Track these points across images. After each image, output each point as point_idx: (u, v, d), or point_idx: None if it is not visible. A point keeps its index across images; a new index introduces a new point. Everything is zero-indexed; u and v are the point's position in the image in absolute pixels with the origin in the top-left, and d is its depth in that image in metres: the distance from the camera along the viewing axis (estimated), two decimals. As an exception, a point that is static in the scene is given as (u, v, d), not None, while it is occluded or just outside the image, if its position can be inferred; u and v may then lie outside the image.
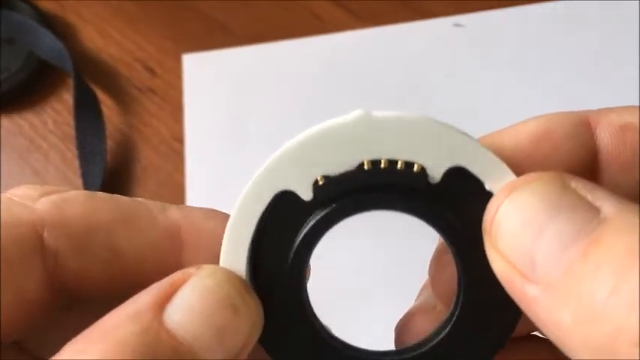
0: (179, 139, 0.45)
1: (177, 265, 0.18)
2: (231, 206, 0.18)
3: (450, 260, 0.18)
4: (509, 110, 0.43)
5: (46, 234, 0.17)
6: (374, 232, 0.40)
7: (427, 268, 0.20)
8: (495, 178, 0.17)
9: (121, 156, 0.45)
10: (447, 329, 0.18)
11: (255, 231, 0.17)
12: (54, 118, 0.47)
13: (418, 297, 0.21)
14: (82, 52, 0.49)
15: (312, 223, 0.17)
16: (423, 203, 0.17)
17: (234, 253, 0.17)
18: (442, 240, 0.19)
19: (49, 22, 0.50)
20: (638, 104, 0.18)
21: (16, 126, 0.47)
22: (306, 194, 0.17)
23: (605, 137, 0.18)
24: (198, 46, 0.48)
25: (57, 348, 0.15)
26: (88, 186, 0.43)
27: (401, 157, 0.17)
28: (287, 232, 0.18)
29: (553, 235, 0.15)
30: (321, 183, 0.17)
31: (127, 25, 0.50)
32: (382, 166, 0.17)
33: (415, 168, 0.17)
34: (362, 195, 0.17)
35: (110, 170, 0.44)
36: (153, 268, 0.18)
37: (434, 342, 0.18)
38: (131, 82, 0.48)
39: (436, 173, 0.17)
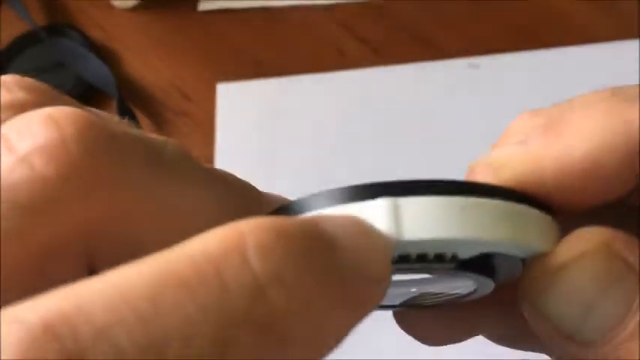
0: (210, 161, 0.48)
1: None
2: None
3: None
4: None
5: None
6: None
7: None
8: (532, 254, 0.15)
9: (154, 173, 0.49)
10: None
11: None
12: (96, 137, 0.51)
13: None
14: (124, 77, 0.53)
15: None
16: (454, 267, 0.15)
17: None
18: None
19: (97, 49, 0.54)
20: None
21: (61, 142, 0.51)
22: None
23: None
24: (232, 76, 0.52)
25: None
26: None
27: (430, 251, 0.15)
28: None
29: (601, 313, 0.14)
30: None
31: (167, 54, 0.54)
32: (413, 258, 0.15)
33: (446, 257, 0.15)
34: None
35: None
36: None
37: None
38: (167, 106, 0.52)
39: (467, 256, 0.15)
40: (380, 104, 0.50)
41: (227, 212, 0.15)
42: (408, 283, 0.18)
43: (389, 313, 0.20)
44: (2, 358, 0.10)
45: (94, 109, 0.15)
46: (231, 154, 0.49)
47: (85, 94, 0.52)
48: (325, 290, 0.12)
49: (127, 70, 0.54)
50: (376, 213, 0.14)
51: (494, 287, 0.16)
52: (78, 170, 0.13)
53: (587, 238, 0.15)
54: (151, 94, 0.52)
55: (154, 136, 0.15)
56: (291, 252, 0.11)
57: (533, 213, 0.15)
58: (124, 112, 0.50)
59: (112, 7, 0.57)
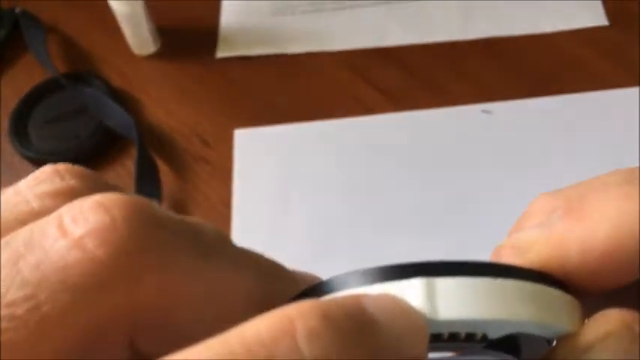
0: (227, 205, 0.49)
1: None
2: None
3: None
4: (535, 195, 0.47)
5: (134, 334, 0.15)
6: None
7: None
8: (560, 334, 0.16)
9: (174, 218, 0.50)
10: None
11: None
12: (116, 182, 0.52)
13: None
14: (144, 123, 0.55)
15: None
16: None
17: None
18: None
19: (118, 96, 0.56)
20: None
21: (82, 187, 0.53)
22: None
23: None
24: (249, 122, 0.53)
25: None
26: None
27: (462, 330, 0.15)
28: None
29: None
30: None
31: (186, 100, 0.56)
32: (445, 337, 0.15)
33: (477, 337, 0.16)
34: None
35: (164, 231, 0.49)
36: None
37: None
38: (187, 151, 0.53)
39: (496, 335, 0.16)
40: (395, 149, 0.51)
41: (264, 293, 0.16)
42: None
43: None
44: None
45: (138, 196, 0.16)
46: (248, 199, 0.50)
47: (107, 141, 0.54)
48: None
49: (147, 116, 0.55)
50: (411, 293, 0.14)
51: None
52: (127, 252, 0.14)
53: (609, 320, 0.15)
54: (171, 140, 0.54)
55: (192, 219, 0.16)
56: (338, 335, 0.12)
57: (559, 294, 0.16)
58: (145, 157, 0.51)
59: (132, 55, 0.59)
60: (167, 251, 0.14)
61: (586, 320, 0.16)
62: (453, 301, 0.14)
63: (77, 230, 0.14)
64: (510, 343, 0.16)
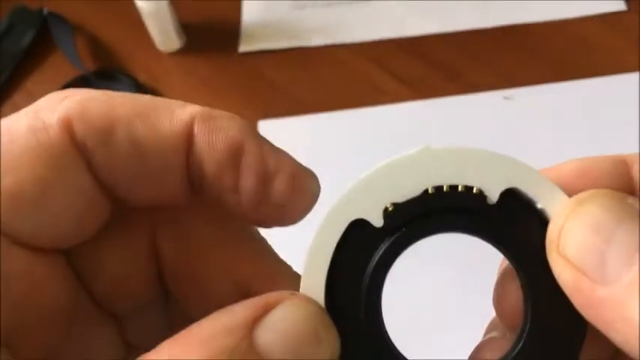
0: (253, 195, 0.50)
1: (191, 163, 0.18)
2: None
3: (512, 284, 0.19)
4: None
5: (75, 129, 0.17)
6: (444, 263, 0.44)
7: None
8: (547, 197, 0.18)
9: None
10: (517, 350, 0.18)
11: (332, 258, 0.18)
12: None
13: (486, 333, 0.21)
14: (171, 117, 0.56)
15: (384, 248, 0.18)
16: (484, 223, 0.18)
17: (313, 280, 0.18)
18: (503, 266, 0.20)
19: (144, 91, 0.57)
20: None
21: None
22: (377, 221, 0.18)
23: None
24: (272, 113, 0.55)
25: None
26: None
27: (461, 182, 0.18)
28: (361, 258, 0.18)
29: (622, 240, 0.16)
30: (390, 210, 0.18)
31: (211, 95, 0.57)
32: (445, 190, 0.18)
33: (474, 190, 0.18)
34: (428, 219, 0.18)
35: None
36: (173, 163, 0.18)
37: None
38: (213, 144, 0.54)
39: (493, 195, 0.18)
40: (415, 137, 0.52)
41: None
42: None
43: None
44: None
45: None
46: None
47: (135, 134, 0.55)
48: None
49: (173, 110, 0.57)
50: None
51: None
52: None
53: (604, 189, 0.17)
54: (197, 133, 0.55)
55: None
56: None
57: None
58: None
59: (157, 51, 0.61)
60: None
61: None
62: (446, 154, 0.18)
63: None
64: (505, 212, 0.18)
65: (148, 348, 0.16)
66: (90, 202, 0.18)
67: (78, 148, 0.17)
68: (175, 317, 0.21)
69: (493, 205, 0.18)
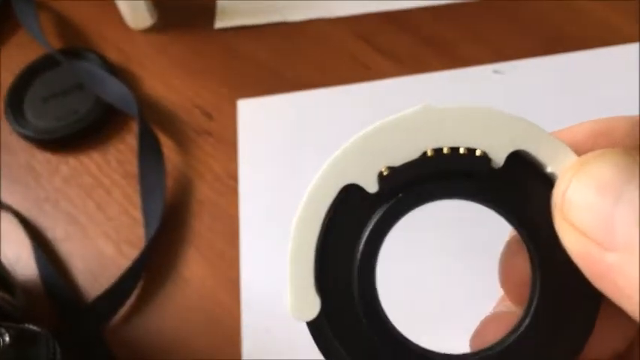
0: (233, 177, 0.48)
1: None
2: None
3: (519, 256, 0.18)
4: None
5: None
6: (446, 233, 0.41)
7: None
8: (558, 160, 0.17)
9: (179, 192, 0.48)
10: (525, 325, 0.17)
11: (323, 226, 0.17)
12: (117, 158, 0.51)
13: (495, 308, 0.20)
14: (144, 98, 0.53)
15: (378, 216, 0.17)
16: (488, 188, 0.17)
17: (302, 247, 0.17)
18: (510, 236, 0.18)
19: (115, 71, 0.54)
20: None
21: (82, 165, 0.51)
22: (371, 187, 0.17)
23: None
24: (252, 92, 0.52)
25: None
26: (148, 220, 0.46)
27: (463, 144, 0.17)
28: (354, 227, 0.17)
29: (631, 198, 0.14)
30: (385, 174, 0.17)
31: (186, 74, 0.54)
32: (445, 152, 0.17)
33: (477, 153, 0.17)
34: (427, 184, 0.17)
35: (169, 205, 0.47)
36: None
37: (510, 341, 0.17)
38: (190, 125, 0.51)
39: (498, 158, 0.17)
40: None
41: None
42: None
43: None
44: None
45: None
46: (254, 170, 0.48)
47: (106, 117, 0.52)
48: None
49: (147, 90, 0.54)
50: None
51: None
52: None
53: (611, 148, 0.16)
54: (172, 114, 0.52)
55: None
56: None
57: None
58: (146, 132, 0.49)
59: (127, 29, 0.57)
60: None
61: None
62: (446, 114, 0.17)
63: None
64: (512, 176, 0.16)
65: None
66: None
67: None
68: None
69: (498, 169, 0.17)
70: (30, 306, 0.42)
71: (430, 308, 0.40)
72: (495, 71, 0.49)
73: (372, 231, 0.17)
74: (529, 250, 0.17)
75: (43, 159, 0.52)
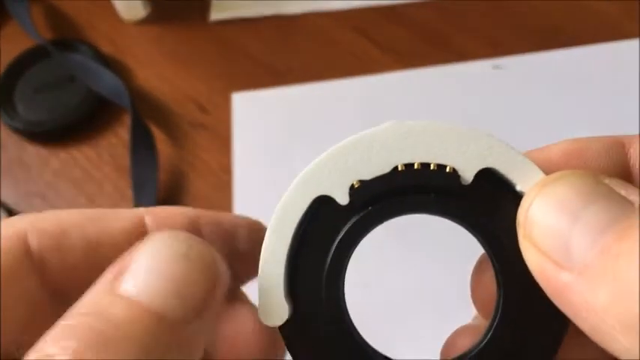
0: (227, 171, 0.47)
1: None
2: None
3: (488, 272, 0.18)
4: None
5: (29, 239, 0.19)
6: (421, 247, 0.41)
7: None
8: (526, 178, 0.17)
9: (172, 186, 0.47)
10: (487, 338, 0.17)
11: (294, 236, 0.17)
12: (109, 151, 0.50)
13: (473, 319, 0.21)
14: (137, 91, 0.52)
15: (347, 227, 0.17)
16: (456, 204, 0.17)
17: (273, 255, 0.17)
18: (483, 252, 0.18)
19: (107, 62, 0.53)
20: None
21: (72, 158, 0.50)
22: (343, 198, 0.17)
23: (638, 155, 0.18)
24: (246, 85, 0.51)
25: None
26: (140, 214, 0.45)
27: (434, 160, 0.17)
28: (325, 237, 0.18)
29: (588, 221, 0.15)
30: (356, 186, 0.17)
31: (180, 66, 0.53)
32: (415, 167, 0.17)
33: (447, 169, 0.17)
34: (397, 198, 0.17)
35: (162, 199, 0.46)
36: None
37: (471, 354, 0.17)
38: (183, 118, 0.50)
39: (468, 175, 0.17)
40: (401, 109, 0.48)
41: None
42: None
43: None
44: None
45: None
46: (248, 164, 0.48)
47: (98, 109, 0.51)
48: None
49: (140, 83, 0.53)
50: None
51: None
52: None
53: (576, 169, 0.16)
54: (166, 107, 0.51)
55: None
56: None
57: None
58: (139, 125, 0.48)
59: (120, 21, 0.56)
60: None
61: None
62: (417, 130, 0.18)
63: None
64: (481, 193, 0.17)
65: None
66: (37, 310, 0.18)
67: (31, 256, 0.19)
68: None
69: (467, 186, 0.17)
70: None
71: (405, 319, 0.39)
72: (494, 66, 0.48)
73: (340, 241, 0.17)
74: (494, 266, 0.17)
75: (33, 152, 0.51)
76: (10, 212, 0.47)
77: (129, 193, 0.47)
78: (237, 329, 0.21)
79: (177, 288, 0.15)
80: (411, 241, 0.41)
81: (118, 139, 0.50)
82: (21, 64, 0.54)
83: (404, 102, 0.49)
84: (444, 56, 0.50)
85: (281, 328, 0.18)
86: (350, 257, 0.18)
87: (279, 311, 0.17)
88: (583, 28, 0.50)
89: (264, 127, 0.49)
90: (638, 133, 0.18)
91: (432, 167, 0.17)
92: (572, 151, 0.18)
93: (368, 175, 0.17)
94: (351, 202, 0.17)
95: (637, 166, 0.18)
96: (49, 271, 0.19)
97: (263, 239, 0.18)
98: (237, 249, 0.20)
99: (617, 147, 0.18)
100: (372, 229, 0.18)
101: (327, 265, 0.17)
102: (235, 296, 0.22)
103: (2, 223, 0.19)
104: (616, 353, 0.14)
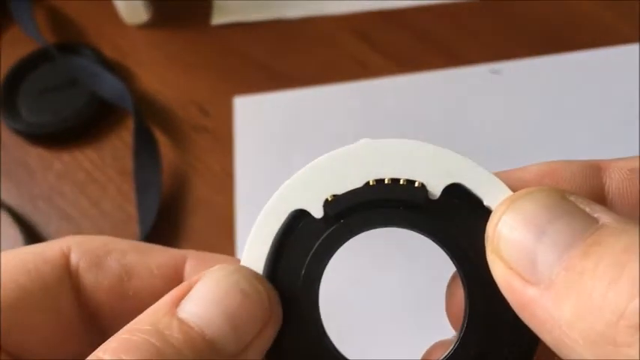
0: (229, 174, 0.47)
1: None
2: None
3: (460, 286, 0.18)
4: (545, 155, 0.45)
5: (71, 256, 0.20)
6: (401, 259, 0.42)
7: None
8: (493, 194, 0.18)
9: (175, 189, 0.48)
10: (453, 349, 0.18)
11: (272, 248, 0.18)
12: (112, 154, 0.50)
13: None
14: (140, 93, 0.53)
15: (321, 239, 0.18)
16: (425, 218, 0.18)
17: (251, 266, 0.18)
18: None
19: (110, 66, 0.54)
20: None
21: (76, 161, 0.51)
22: (317, 212, 0.18)
23: (614, 179, 0.19)
24: (248, 89, 0.51)
25: None
26: (143, 216, 0.46)
27: (403, 176, 0.18)
28: (301, 249, 0.18)
29: (553, 236, 0.15)
30: (330, 200, 0.18)
31: (183, 70, 0.54)
32: (386, 182, 0.18)
33: (416, 184, 0.18)
34: (369, 212, 0.18)
35: (165, 202, 0.47)
36: (162, 289, 0.19)
37: None
38: (186, 121, 0.51)
39: (436, 190, 0.18)
40: (400, 113, 0.49)
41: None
42: None
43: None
44: None
45: None
46: (250, 167, 0.48)
47: (101, 112, 0.52)
48: None
49: (142, 86, 0.53)
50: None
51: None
52: None
53: (543, 186, 0.17)
54: (168, 110, 0.52)
55: None
56: None
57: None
58: (142, 128, 0.49)
59: (123, 24, 0.57)
60: None
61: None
62: (388, 148, 0.19)
63: None
64: (448, 207, 0.18)
65: None
66: (67, 326, 0.19)
67: (69, 272, 0.20)
68: None
69: (435, 200, 0.18)
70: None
71: (382, 332, 0.40)
72: (492, 71, 0.49)
73: (314, 253, 0.18)
74: (461, 278, 0.18)
75: (36, 155, 0.51)
76: (14, 215, 0.48)
77: (132, 195, 0.47)
78: None
79: (232, 320, 0.16)
80: (390, 253, 0.42)
81: (122, 142, 0.51)
82: (24, 67, 0.54)
83: (403, 106, 0.49)
84: (442, 60, 0.50)
85: None
86: (325, 268, 0.18)
87: None
88: (581, 33, 0.50)
89: (265, 131, 0.50)
90: (637, 135, 0.19)
91: (401, 182, 0.18)
92: (547, 172, 0.19)
93: (341, 190, 0.18)
94: (325, 215, 0.18)
95: (611, 191, 0.19)
96: (83, 288, 0.20)
97: None
98: None
99: (594, 171, 0.19)
100: (345, 241, 0.18)
101: (301, 276, 0.18)
102: None
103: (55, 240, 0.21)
104: None
